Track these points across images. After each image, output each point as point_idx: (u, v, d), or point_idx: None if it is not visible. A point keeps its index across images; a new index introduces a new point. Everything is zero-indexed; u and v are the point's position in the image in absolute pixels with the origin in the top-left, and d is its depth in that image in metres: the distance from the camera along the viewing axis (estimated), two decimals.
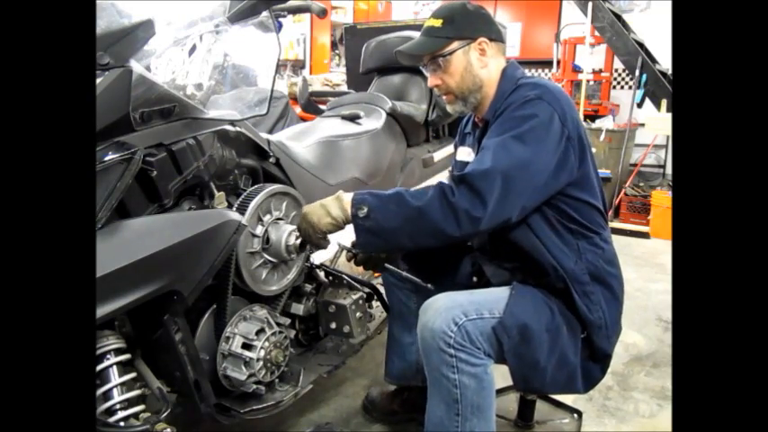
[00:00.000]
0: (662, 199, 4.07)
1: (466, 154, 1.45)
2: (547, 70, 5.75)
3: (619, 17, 4.61)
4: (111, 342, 1.08)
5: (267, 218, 1.35)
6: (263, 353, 1.33)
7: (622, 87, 5.89)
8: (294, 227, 1.36)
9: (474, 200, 1.13)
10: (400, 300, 1.64)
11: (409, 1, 6.85)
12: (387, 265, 1.42)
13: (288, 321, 1.48)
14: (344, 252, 1.36)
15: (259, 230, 1.34)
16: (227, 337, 1.32)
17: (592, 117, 5.09)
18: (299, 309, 1.55)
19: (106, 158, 1.01)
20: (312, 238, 1.26)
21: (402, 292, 1.63)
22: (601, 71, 5.40)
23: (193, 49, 1.28)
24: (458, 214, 1.12)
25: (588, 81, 4.99)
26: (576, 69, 5.20)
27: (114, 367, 1.07)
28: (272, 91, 1.30)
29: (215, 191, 1.28)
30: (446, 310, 1.19)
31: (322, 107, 2.25)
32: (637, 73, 4.39)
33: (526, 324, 1.20)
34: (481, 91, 1.33)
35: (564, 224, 1.27)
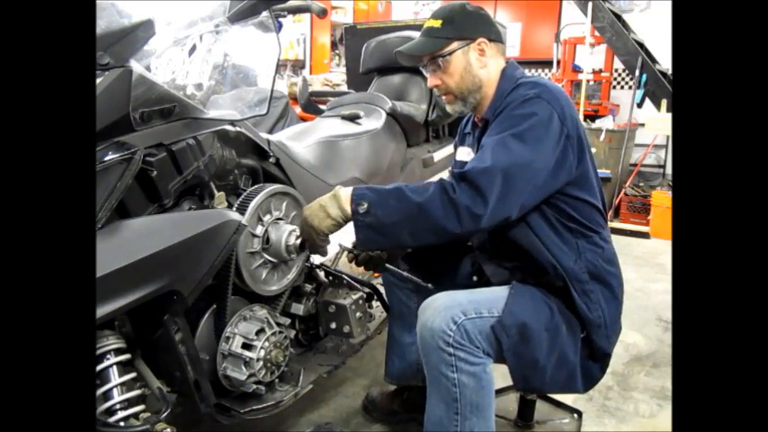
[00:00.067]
0: (662, 199, 4.07)
1: (465, 154, 1.45)
2: (547, 70, 5.75)
3: (619, 17, 4.61)
4: (111, 342, 1.08)
5: (267, 218, 1.35)
6: (263, 353, 1.33)
7: (622, 87, 5.90)
8: (294, 227, 1.36)
9: (475, 197, 1.13)
10: (400, 300, 1.64)
11: (409, 1, 6.86)
12: (387, 265, 1.42)
13: (288, 321, 1.48)
14: (345, 253, 1.36)
15: (259, 230, 1.34)
16: (227, 337, 1.32)
17: (592, 117, 5.09)
18: (299, 309, 1.55)
19: (106, 158, 1.01)
20: (315, 240, 1.25)
21: (402, 292, 1.63)
22: (601, 71, 5.40)
23: (193, 49, 1.28)
24: (459, 211, 1.12)
25: (588, 81, 4.99)
26: (576, 69, 5.20)
27: (114, 367, 1.07)
28: (272, 91, 1.30)
29: (215, 191, 1.28)
30: (445, 309, 1.19)
31: (322, 107, 2.25)
32: (637, 73, 4.39)
33: (525, 323, 1.20)
34: (480, 91, 1.33)
35: (563, 223, 1.27)
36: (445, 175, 2.14)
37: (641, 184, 4.98)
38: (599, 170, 3.33)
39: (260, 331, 1.34)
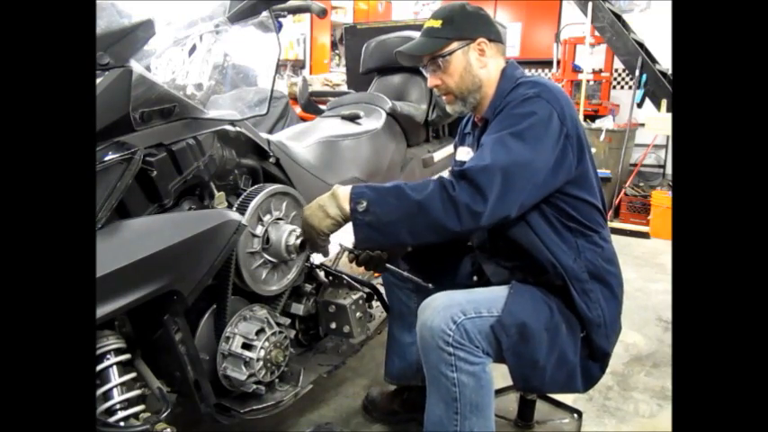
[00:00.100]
0: (662, 199, 4.07)
1: (465, 154, 1.45)
2: (547, 70, 5.75)
3: (619, 17, 4.61)
4: (111, 342, 1.08)
5: (267, 218, 1.35)
6: (263, 353, 1.33)
7: (622, 87, 5.90)
8: (294, 227, 1.36)
9: (475, 195, 1.12)
10: (400, 300, 1.64)
11: (409, 1, 6.86)
12: (388, 265, 1.42)
13: (288, 321, 1.48)
14: (346, 253, 1.36)
15: (259, 230, 1.34)
16: (227, 337, 1.32)
17: (592, 117, 5.09)
18: (299, 309, 1.55)
19: (106, 158, 1.01)
20: (316, 240, 1.25)
21: (402, 292, 1.63)
22: (601, 71, 5.40)
23: (193, 49, 1.28)
24: (458, 209, 1.12)
25: (588, 81, 4.99)
26: (576, 69, 5.20)
27: (114, 367, 1.07)
28: (272, 91, 1.30)
29: (215, 191, 1.28)
30: (445, 308, 1.19)
31: (322, 107, 2.25)
32: (637, 73, 4.39)
33: (525, 323, 1.20)
34: (480, 91, 1.34)
35: (563, 222, 1.27)
36: (445, 174, 2.14)
37: (641, 184, 4.98)
38: (599, 170, 3.33)
39: (260, 331, 1.34)
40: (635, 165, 4.89)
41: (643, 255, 3.62)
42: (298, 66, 5.90)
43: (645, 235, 4.06)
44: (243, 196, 1.33)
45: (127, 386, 1.08)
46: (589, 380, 1.32)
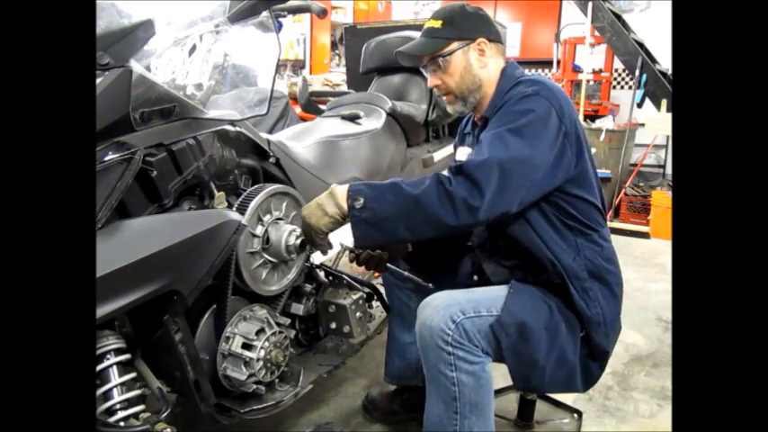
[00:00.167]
0: (662, 199, 4.07)
1: (465, 154, 1.45)
2: (547, 70, 5.75)
3: (619, 17, 4.61)
4: (111, 342, 1.08)
5: (267, 218, 1.35)
6: (263, 353, 1.33)
7: (622, 87, 5.90)
8: (294, 227, 1.36)
9: (472, 189, 1.12)
10: (400, 299, 1.64)
11: (409, 1, 6.86)
12: (388, 264, 1.42)
13: (288, 321, 1.48)
14: (347, 252, 1.36)
15: (259, 230, 1.34)
16: (227, 337, 1.32)
17: (592, 117, 5.09)
18: (299, 309, 1.55)
19: (106, 158, 1.01)
20: (315, 239, 1.25)
21: (402, 292, 1.63)
22: (601, 71, 5.40)
23: (193, 49, 1.28)
24: (455, 203, 1.12)
25: (588, 81, 4.99)
26: (576, 69, 5.20)
27: (114, 367, 1.07)
28: (272, 91, 1.30)
29: (215, 191, 1.28)
30: (444, 307, 1.20)
31: (322, 107, 2.25)
32: (637, 73, 4.39)
33: (524, 322, 1.20)
34: (480, 90, 1.34)
35: (562, 221, 1.27)
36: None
37: (641, 184, 4.98)
38: (599, 170, 3.33)
39: (260, 331, 1.34)
40: (635, 165, 4.89)
41: (643, 255, 3.62)
42: (298, 66, 5.90)
43: (645, 235, 4.06)
44: (243, 196, 1.33)
45: (127, 386, 1.08)
46: (589, 379, 1.32)
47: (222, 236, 1.16)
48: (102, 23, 1.05)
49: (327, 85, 4.63)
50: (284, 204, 1.41)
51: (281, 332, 1.39)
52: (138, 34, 1.07)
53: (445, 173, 1.18)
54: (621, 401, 1.90)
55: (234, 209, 1.29)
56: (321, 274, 1.63)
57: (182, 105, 1.18)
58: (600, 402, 1.88)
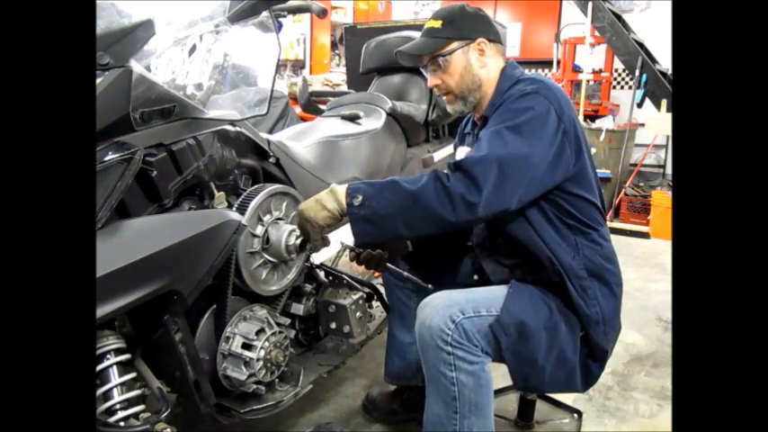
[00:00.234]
0: (662, 199, 4.07)
1: (465, 154, 1.45)
2: (547, 70, 5.75)
3: (619, 17, 4.61)
4: (111, 342, 1.08)
5: (267, 218, 1.35)
6: (263, 353, 1.33)
7: (622, 87, 5.90)
8: (294, 227, 1.36)
9: (469, 185, 1.13)
10: (400, 300, 1.64)
11: (409, 1, 6.86)
12: (388, 264, 1.42)
13: (288, 321, 1.48)
14: (347, 252, 1.35)
15: (259, 230, 1.34)
16: (227, 337, 1.32)
17: (592, 117, 5.09)
18: (299, 309, 1.55)
19: (106, 158, 1.01)
20: (311, 234, 1.25)
21: (402, 292, 1.63)
22: (601, 71, 5.40)
23: (193, 49, 1.28)
24: (453, 199, 1.12)
25: (588, 81, 4.99)
26: (576, 69, 5.20)
27: (114, 367, 1.07)
28: (272, 91, 1.30)
29: (215, 191, 1.28)
30: (443, 307, 1.20)
31: (322, 107, 2.25)
32: (637, 73, 4.39)
33: (523, 322, 1.20)
34: (480, 90, 1.34)
35: (562, 219, 1.28)
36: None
37: (641, 184, 4.98)
38: (599, 170, 3.33)
39: (260, 331, 1.34)
40: (635, 165, 4.89)
41: (643, 255, 3.63)
42: (298, 66, 5.90)
43: (645, 235, 4.06)
44: (243, 196, 1.33)
45: (127, 386, 1.08)
46: (588, 379, 1.32)
47: (222, 236, 1.16)
48: (102, 23, 1.06)
49: (327, 85, 4.63)
50: (284, 204, 1.41)
51: (281, 332, 1.39)
52: (138, 34, 1.07)
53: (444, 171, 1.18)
54: (621, 401, 1.90)
55: (234, 209, 1.29)
56: (321, 274, 1.63)
57: (182, 105, 1.18)
58: (600, 402, 1.88)
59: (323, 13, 1.53)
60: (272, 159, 1.47)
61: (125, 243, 1.01)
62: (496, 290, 1.29)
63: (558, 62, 5.29)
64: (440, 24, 1.33)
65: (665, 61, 4.62)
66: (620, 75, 5.83)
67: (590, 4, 4.47)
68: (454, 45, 1.32)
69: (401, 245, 1.45)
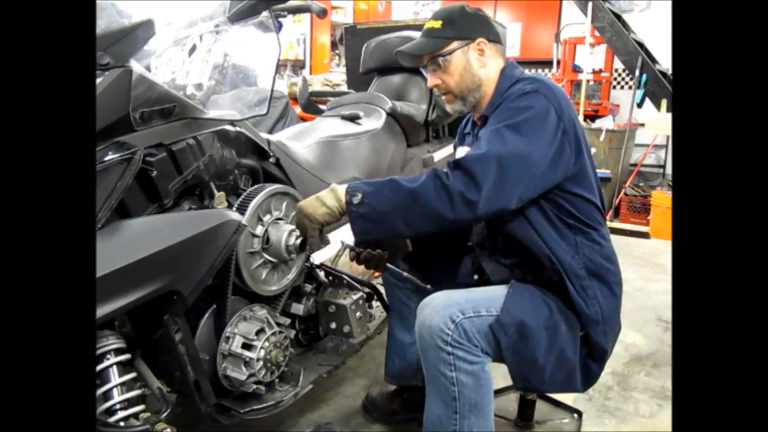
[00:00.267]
0: (662, 199, 4.07)
1: (464, 154, 1.45)
2: (547, 70, 5.75)
3: (619, 17, 4.61)
4: (111, 342, 1.08)
5: (267, 218, 1.35)
6: (263, 353, 1.33)
7: (622, 87, 5.90)
8: (294, 227, 1.36)
9: (469, 183, 1.13)
10: (400, 300, 1.64)
11: (409, 1, 6.86)
12: (388, 264, 1.42)
13: (288, 321, 1.48)
14: (347, 251, 1.35)
15: (259, 230, 1.34)
16: (227, 337, 1.32)
17: (592, 117, 5.09)
18: (299, 309, 1.55)
19: (106, 158, 1.01)
20: (309, 230, 1.25)
21: (402, 292, 1.63)
22: (601, 71, 5.40)
23: (193, 49, 1.28)
24: (452, 197, 1.12)
25: (588, 81, 4.99)
26: (576, 69, 5.20)
27: (114, 367, 1.07)
28: (272, 91, 1.30)
29: (215, 191, 1.28)
30: (443, 307, 1.20)
31: (322, 107, 2.25)
32: (637, 73, 4.39)
33: (523, 322, 1.20)
34: (480, 90, 1.34)
35: (562, 219, 1.28)
36: None
37: (641, 184, 4.98)
38: (599, 170, 3.32)
39: (260, 331, 1.34)
40: (635, 165, 4.89)
41: (643, 255, 3.62)
42: (298, 66, 5.90)
43: (645, 235, 4.06)
44: (243, 196, 1.33)
45: (127, 386, 1.08)
46: (588, 379, 1.32)
47: (222, 236, 1.16)
48: (102, 23, 1.06)
49: (327, 85, 4.63)
50: (284, 204, 1.41)
51: (281, 332, 1.39)
52: (138, 34, 1.07)
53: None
54: (621, 401, 1.90)
55: (234, 209, 1.29)
56: (321, 274, 1.63)
57: (182, 105, 1.18)
58: (600, 402, 1.88)
59: (323, 13, 1.53)
60: (272, 159, 1.47)
61: (125, 243, 1.01)
62: (496, 290, 1.29)
63: (558, 62, 5.29)
64: (440, 24, 1.33)
65: (665, 61, 4.62)
66: (620, 75, 5.83)
67: (590, 4, 4.47)
68: (454, 45, 1.32)
69: (401, 245, 1.45)
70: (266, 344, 1.34)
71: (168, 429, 1.07)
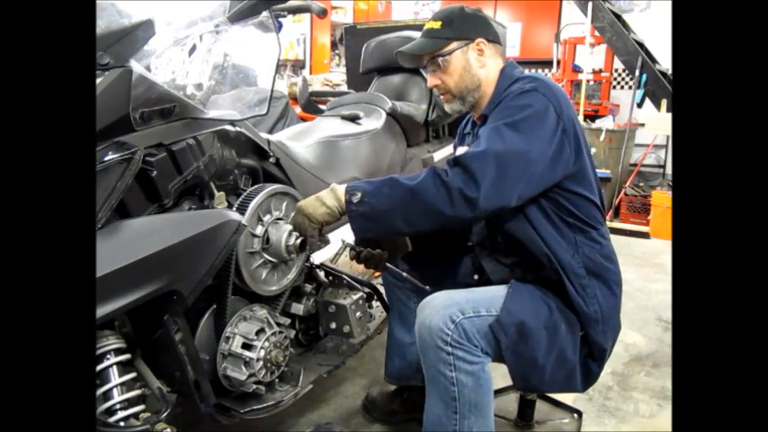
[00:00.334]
0: (662, 199, 4.07)
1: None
2: (547, 70, 5.75)
3: (619, 17, 4.62)
4: (111, 342, 1.08)
5: (267, 218, 1.35)
6: (263, 353, 1.33)
7: (622, 87, 5.90)
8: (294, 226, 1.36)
9: (468, 180, 1.13)
10: (400, 300, 1.64)
11: (409, 1, 6.86)
12: (387, 264, 1.42)
13: (288, 321, 1.48)
14: (347, 250, 1.35)
15: (259, 230, 1.34)
16: (227, 337, 1.32)
17: (592, 117, 5.09)
18: (299, 309, 1.55)
19: (106, 158, 1.01)
20: (308, 230, 1.25)
21: (402, 292, 1.63)
22: (601, 71, 5.40)
23: (193, 49, 1.28)
24: (451, 194, 1.13)
25: (588, 81, 4.99)
26: (576, 69, 5.20)
27: (114, 367, 1.07)
28: (272, 91, 1.30)
29: (215, 191, 1.28)
30: (443, 307, 1.20)
31: (322, 107, 2.25)
32: (637, 73, 4.39)
33: (523, 322, 1.20)
34: (479, 90, 1.35)
35: (562, 217, 1.28)
36: None
37: (641, 184, 4.98)
38: (599, 170, 3.32)
39: (260, 331, 1.34)
40: (635, 165, 4.89)
41: (643, 255, 3.63)
42: (298, 66, 5.90)
43: (645, 235, 4.06)
44: (243, 196, 1.33)
45: (127, 386, 1.08)
46: (588, 378, 1.32)
47: (222, 236, 1.16)
48: (102, 23, 1.05)
49: (327, 85, 4.63)
50: (284, 204, 1.41)
51: (281, 332, 1.39)
52: (138, 34, 1.07)
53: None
54: (621, 401, 1.90)
55: (234, 209, 1.29)
56: (321, 274, 1.63)
57: (182, 105, 1.18)
58: (600, 402, 1.88)
59: (323, 13, 1.53)
60: (272, 159, 1.47)
61: (125, 243, 1.01)
62: (496, 290, 1.29)
63: (558, 62, 5.29)
64: (439, 25, 1.34)
65: (665, 61, 4.62)
66: (620, 75, 5.83)
67: (590, 4, 4.47)
68: (453, 45, 1.33)
69: (401, 244, 1.45)
70: (266, 344, 1.34)
71: (168, 429, 1.07)
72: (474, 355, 1.18)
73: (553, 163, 1.20)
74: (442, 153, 2.23)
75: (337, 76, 4.91)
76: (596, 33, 4.61)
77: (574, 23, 4.99)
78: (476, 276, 1.51)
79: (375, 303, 1.73)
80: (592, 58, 4.95)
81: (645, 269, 3.32)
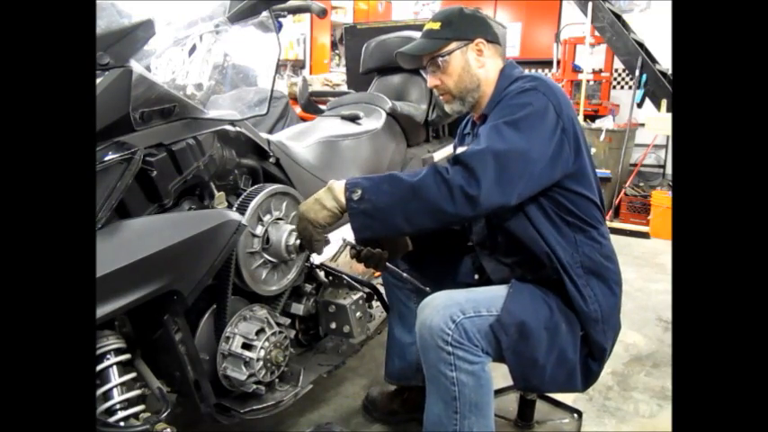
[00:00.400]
0: (662, 199, 4.07)
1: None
2: (547, 70, 5.75)
3: (619, 17, 4.62)
4: (111, 342, 1.08)
5: (267, 218, 1.35)
6: (263, 353, 1.33)
7: (622, 87, 5.90)
8: (294, 227, 1.36)
9: (469, 178, 1.13)
10: (400, 300, 1.64)
11: (409, 1, 6.86)
12: (387, 264, 1.42)
13: (288, 321, 1.48)
14: (347, 249, 1.35)
15: (259, 230, 1.34)
16: (227, 337, 1.32)
17: (592, 117, 5.09)
18: (299, 309, 1.55)
19: (106, 158, 1.01)
20: (314, 235, 1.25)
21: (402, 292, 1.63)
22: (601, 71, 5.40)
23: (193, 49, 1.28)
24: (453, 191, 1.12)
25: (588, 81, 4.99)
26: (576, 69, 5.20)
27: (114, 367, 1.07)
28: (272, 91, 1.30)
29: (215, 191, 1.28)
30: (444, 307, 1.20)
31: (322, 107, 2.25)
32: (637, 73, 4.39)
33: (524, 321, 1.20)
34: (479, 90, 1.35)
35: (562, 217, 1.28)
36: None
37: (641, 184, 4.98)
38: (599, 170, 3.32)
39: (260, 331, 1.34)
40: (635, 165, 4.89)
41: (643, 255, 3.63)
42: (298, 66, 5.90)
43: (645, 235, 4.07)
44: (243, 196, 1.33)
45: (127, 386, 1.08)
46: (588, 378, 1.32)
47: (222, 236, 1.16)
48: (102, 23, 1.05)
49: (327, 85, 4.63)
50: (284, 204, 1.41)
51: (281, 332, 1.39)
52: (138, 34, 1.07)
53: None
54: (621, 401, 1.90)
55: (234, 209, 1.29)
56: (321, 274, 1.63)
57: (182, 105, 1.18)
58: (600, 402, 1.88)
59: (323, 13, 1.53)
60: (272, 159, 1.47)
61: (125, 243, 1.01)
62: (497, 289, 1.29)
63: (558, 62, 5.29)
64: (438, 26, 1.35)
65: (665, 61, 4.62)
66: (620, 75, 5.83)
67: (590, 4, 4.47)
68: (453, 46, 1.33)
69: (401, 243, 1.45)
70: (266, 344, 1.34)
71: (168, 429, 1.07)
72: (474, 354, 1.18)
73: (552, 162, 1.20)
74: (441, 153, 2.23)
75: (337, 76, 4.91)
76: (596, 33, 4.61)
77: (574, 23, 5.00)
78: (476, 276, 1.51)
79: (375, 303, 1.73)
80: (592, 58, 4.96)
81: (645, 269, 3.32)
